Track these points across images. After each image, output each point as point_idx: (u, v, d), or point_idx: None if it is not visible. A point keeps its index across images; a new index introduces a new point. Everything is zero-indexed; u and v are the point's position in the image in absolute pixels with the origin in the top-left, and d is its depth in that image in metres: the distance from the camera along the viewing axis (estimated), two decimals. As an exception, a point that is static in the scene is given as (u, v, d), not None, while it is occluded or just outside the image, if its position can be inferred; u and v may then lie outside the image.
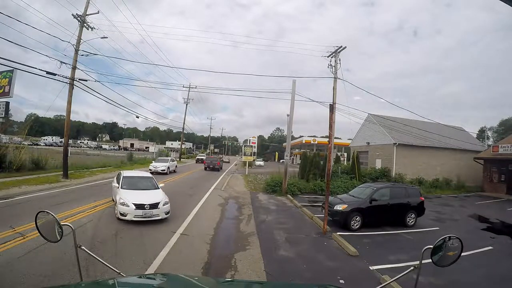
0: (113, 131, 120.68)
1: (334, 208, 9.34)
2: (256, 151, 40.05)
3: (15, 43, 30.42)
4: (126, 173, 10.39)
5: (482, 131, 50.26)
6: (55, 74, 15.03)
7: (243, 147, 38.98)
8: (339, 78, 17.42)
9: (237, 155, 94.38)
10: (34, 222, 1.79)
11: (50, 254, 5.23)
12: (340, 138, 49.12)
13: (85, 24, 16.53)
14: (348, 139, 39.22)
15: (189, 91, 42.67)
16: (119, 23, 70.86)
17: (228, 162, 49.55)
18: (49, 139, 67.45)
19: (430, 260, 1.69)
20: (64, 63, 15.75)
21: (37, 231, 1.79)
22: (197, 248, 6.54)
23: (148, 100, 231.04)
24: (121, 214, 7.89)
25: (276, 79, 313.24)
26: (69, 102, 16.53)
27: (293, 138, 55.54)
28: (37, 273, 4.56)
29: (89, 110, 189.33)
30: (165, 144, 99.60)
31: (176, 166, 26.33)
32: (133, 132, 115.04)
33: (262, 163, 47.36)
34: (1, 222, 6.98)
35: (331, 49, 17.67)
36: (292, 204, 13.51)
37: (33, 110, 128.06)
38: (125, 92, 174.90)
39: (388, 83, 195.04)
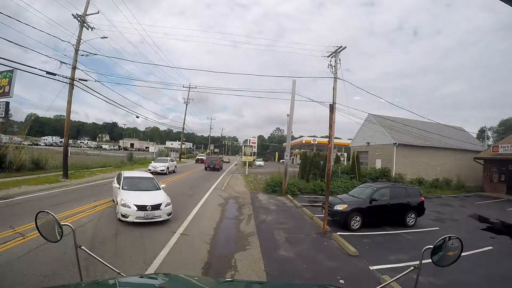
0: (113, 131, 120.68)
1: (334, 208, 9.34)
2: (256, 151, 40.06)
3: (15, 43, 30.45)
4: (127, 173, 10.22)
5: (482, 131, 50.31)
6: (55, 74, 15.04)
7: (243, 147, 38.99)
8: (339, 78, 17.43)
9: (237, 155, 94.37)
10: (34, 222, 1.79)
11: (50, 254, 5.23)
12: (340, 138, 49.12)
13: (85, 24, 16.53)
14: (348, 139, 39.22)
15: (189, 91, 42.74)
16: (119, 23, 70.93)
17: (228, 162, 49.60)
18: (49, 139, 67.47)
19: (430, 260, 1.69)
20: (64, 63, 15.78)
21: (37, 231, 1.79)
22: (197, 248, 6.54)
23: (148, 100, 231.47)
24: (123, 216, 7.79)
25: (276, 79, 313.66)
26: (69, 102, 16.54)
27: (293, 138, 55.54)
28: (37, 273, 4.56)
29: (89, 110, 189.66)
30: (165, 144, 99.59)
31: (175, 166, 26.30)
32: (133, 132, 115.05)
33: (262, 163, 47.38)
34: (1, 222, 6.98)
35: (331, 49, 17.69)
36: (292, 204, 13.51)
37: (33, 110, 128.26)
38: (125, 92, 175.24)
39: (388, 83, 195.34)
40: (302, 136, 60.04)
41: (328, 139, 13.11)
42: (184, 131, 48.36)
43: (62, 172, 16.15)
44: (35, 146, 27.97)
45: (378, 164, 24.49)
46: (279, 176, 17.68)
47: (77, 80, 16.63)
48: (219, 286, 1.92)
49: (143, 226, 7.67)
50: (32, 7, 43.00)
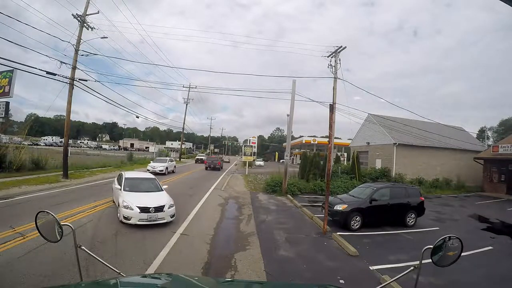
0: (113, 131, 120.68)
1: (334, 208, 9.34)
2: (256, 151, 40.06)
3: (15, 43, 30.47)
4: (128, 174, 9.96)
5: (482, 131, 50.32)
6: (55, 74, 15.04)
7: (243, 147, 38.98)
8: (339, 78, 17.43)
9: (237, 155, 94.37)
10: (34, 222, 1.79)
11: (50, 254, 5.22)
12: (340, 138, 49.13)
13: (85, 24, 16.53)
14: (348, 139, 39.22)
15: (189, 91, 42.73)
16: (119, 23, 70.92)
17: (228, 162, 49.70)
18: (49, 139, 67.47)
19: (430, 260, 1.69)
20: (64, 63, 15.77)
21: (37, 231, 1.79)
22: (197, 248, 6.54)
23: (148, 100, 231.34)
24: (125, 218, 7.62)
25: (276, 79, 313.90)
26: (69, 102, 16.53)
27: (293, 138, 55.54)
28: (37, 273, 4.56)
29: (89, 110, 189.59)
30: (165, 144, 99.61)
31: (174, 166, 26.25)
32: (133, 132, 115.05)
33: (262, 163, 47.38)
34: (1, 222, 6.98)
35: (331, 49, 17.69)
36: (292, 204, 13.51)
37: (33, 110, 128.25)
38: (125, 92, 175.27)
39: (388, 83, 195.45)
40: (302, 136, 60.05)
41: (328, 139, 13.11)
42: (184, 131, 48.40)
43: (62, 172, 16.15)
44: (35, 146, 27.96)
45: (378, 164, 24.49)
46: (279, 176, 17.68)
47: (77, 80, 16.63)
48: (219, 286, 1.92)
49: (143, 227, 7.65)
50: (32, 7, 43.03)
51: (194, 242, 6.90)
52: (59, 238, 1.75)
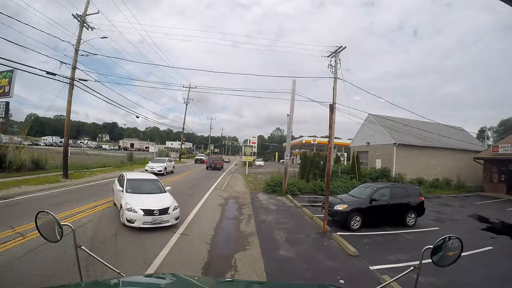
0: (113, 131, 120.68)
1: (334, 208, 9.34)
2: (256, 151, 40.08)
3: (15, 43, 30.48)
4: (129, 175, 9.56)
5: (482, 131, 50.33)
6: (55, 74, 15.04)
7: (243, 147, 39.00)
8: (339, 78, 17.43)
9: (237, 155, 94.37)
10: (34, 222, 1.79)
11: (50, 254, 5.22)
12: (340, 138, 49.13)
13: (85, 24, 16.53)
14: (348, 139, 39.22)
15: (189, 91, 42.75)
16: (119, 23, 70.92)
17: (228, 162, 49.78)
18: (49, 139, 67.46)
19: (430, 260, 1.69)
20: (64, 63, 15.77)
21: (37, 231, 1.79)
22: (197, 248, 6.54)
23: (148, 100, 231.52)
24: (128, 221, 7.37)
25: (276, 79, 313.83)
26: (69, 102, 16.53)
27: (293, 138, 55.55)
28: (37, 273, 4.56)
29: (89, 110, 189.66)
30: (165, 144, 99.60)
31: (173, 166, 26.03)
32: (133, 132, 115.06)
33: (262, 163, 47.42)
34: (1, 222, 6.98)
35: (331, 49, 17.70)
36: (292, 204, 13.51)
37: (33, 110, 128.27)
38: (125, 92, 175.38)
39: (388, 83, 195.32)
40: (302, 136, 60.06)
41: (328, 139, 13.11)
42: (184, 131, 48.44)
43: (62, 172, 16.14)
44: (35, 146, 27.96)
45: (378, 164, 24.49)
46: (279, 176, 17.68)
47: (77, 80, 16.63)
48: (219, 286, 1.92)
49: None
50: (32, 7, 43.03)
51: (194, 242, 6.90)
52: (59, 238, 1.75)
